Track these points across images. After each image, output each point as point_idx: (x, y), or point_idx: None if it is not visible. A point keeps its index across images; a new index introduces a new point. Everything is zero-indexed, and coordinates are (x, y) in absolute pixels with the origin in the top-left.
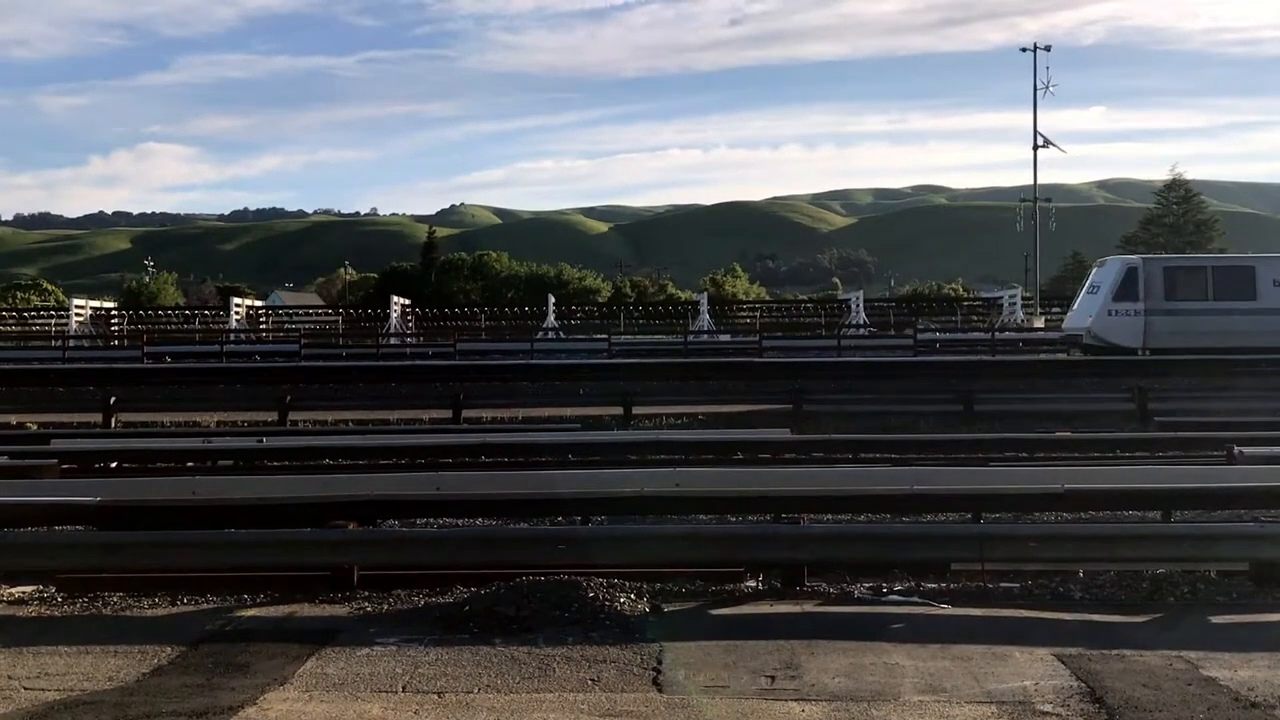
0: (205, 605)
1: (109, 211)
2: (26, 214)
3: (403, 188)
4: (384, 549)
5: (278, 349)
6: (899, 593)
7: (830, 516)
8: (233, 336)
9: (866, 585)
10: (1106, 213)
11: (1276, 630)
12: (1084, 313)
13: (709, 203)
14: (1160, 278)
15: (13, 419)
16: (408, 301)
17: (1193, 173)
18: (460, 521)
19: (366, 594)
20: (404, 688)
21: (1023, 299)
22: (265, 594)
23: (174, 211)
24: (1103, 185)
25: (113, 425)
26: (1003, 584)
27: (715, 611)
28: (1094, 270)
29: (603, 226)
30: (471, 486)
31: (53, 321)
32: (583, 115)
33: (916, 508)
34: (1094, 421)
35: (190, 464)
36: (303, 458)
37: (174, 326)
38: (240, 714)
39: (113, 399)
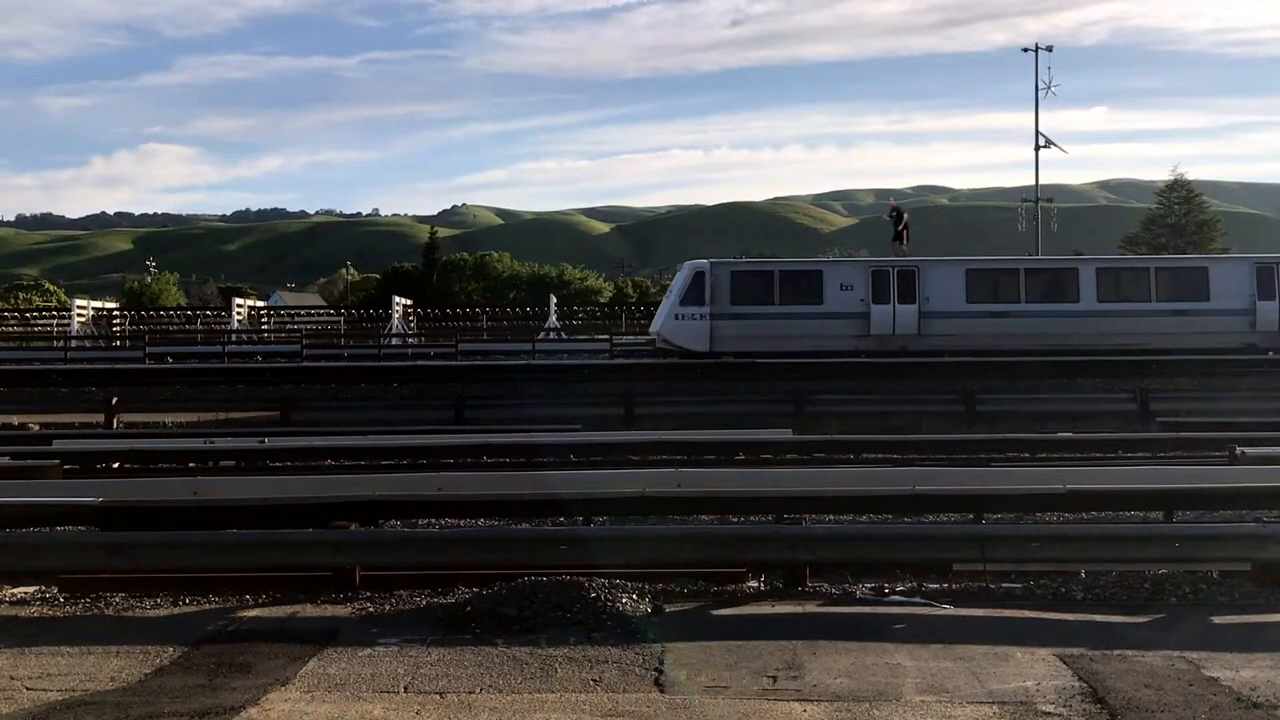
0: (207, 605)
1: (111, 212)
2: (28, 214)
3: (404, 188)
4: (386, 549)
5: (279, 349)
6: (901, 593)
7: (832, 517)
8: (234, 337)
9: (868, 586)
10: (1108, 213)
11: (1278, 631)
12: (659, 316)
13: (711, 203)
14: (727, 282)
15: (15, 419)
16: (409, 302)
17: (1194, 173)
18: (462, 522)
19: (368, 594)
20: (406, 688)
21: None
22: (267, 594)
23: (176, 212)
24: (1104, 185)
25: (114, 426)
26: (1004, 584)
27: (717, 612)
28: (675, 275)
29: (604, 227)
30: (473, 487)
31: (54, 322)
32: (584, 116)
33: (918, 508)
34: (1096, 422)
35: (192, 464)
36: (305, 458)
37: (176, 327)
38: (242, 714)
39: (114, 399)
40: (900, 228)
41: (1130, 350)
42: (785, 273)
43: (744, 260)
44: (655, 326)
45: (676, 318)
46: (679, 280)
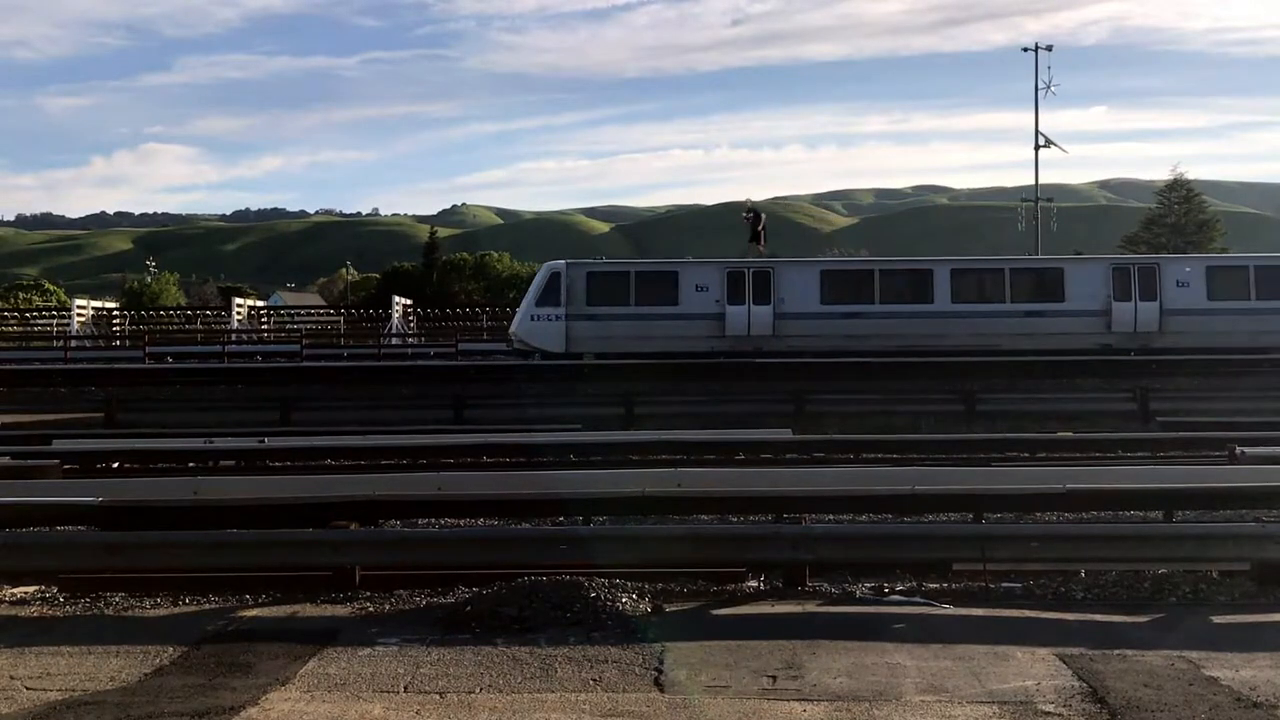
0: (207, 605)
1: (111, 212)
2: (28, 214)
3: (404, 188)
4: (385, 549)
5: (279, 349)
6: (901, 593)
7: (832, 517)
8: (234, 337)
9: (868, 585)
10: (1108, 213)
11: (1278, 631)
12: (516, 317)
13: (710, 203)
14: (583, 283)
15: (14, 419)
16: (409, 301)
17: (1194, 173)
18: (462, 522)
19: (368, 594)
20: (406, 688)
21: None
22: (267, 594)
23: (176, 212)
24: (1104, 185)
25: (114, 426)
26: (1004, 584)
27: (717, 611)
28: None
29: (604, 226)
30: (473, 486)
31: (54, 322)
32: (584, 115)
33: (918, 508)
34: (1095, 421)
35: (192, 464)
36: (304, 458)
37: (175, 327)
38: (242, 714)
39: (114, 399)
40: (758, 229)
41: (984, 351)
42: (641, 274)
43: (601, 261)
44: (513, 327)
45: (532, 318)
46: (536, 281)
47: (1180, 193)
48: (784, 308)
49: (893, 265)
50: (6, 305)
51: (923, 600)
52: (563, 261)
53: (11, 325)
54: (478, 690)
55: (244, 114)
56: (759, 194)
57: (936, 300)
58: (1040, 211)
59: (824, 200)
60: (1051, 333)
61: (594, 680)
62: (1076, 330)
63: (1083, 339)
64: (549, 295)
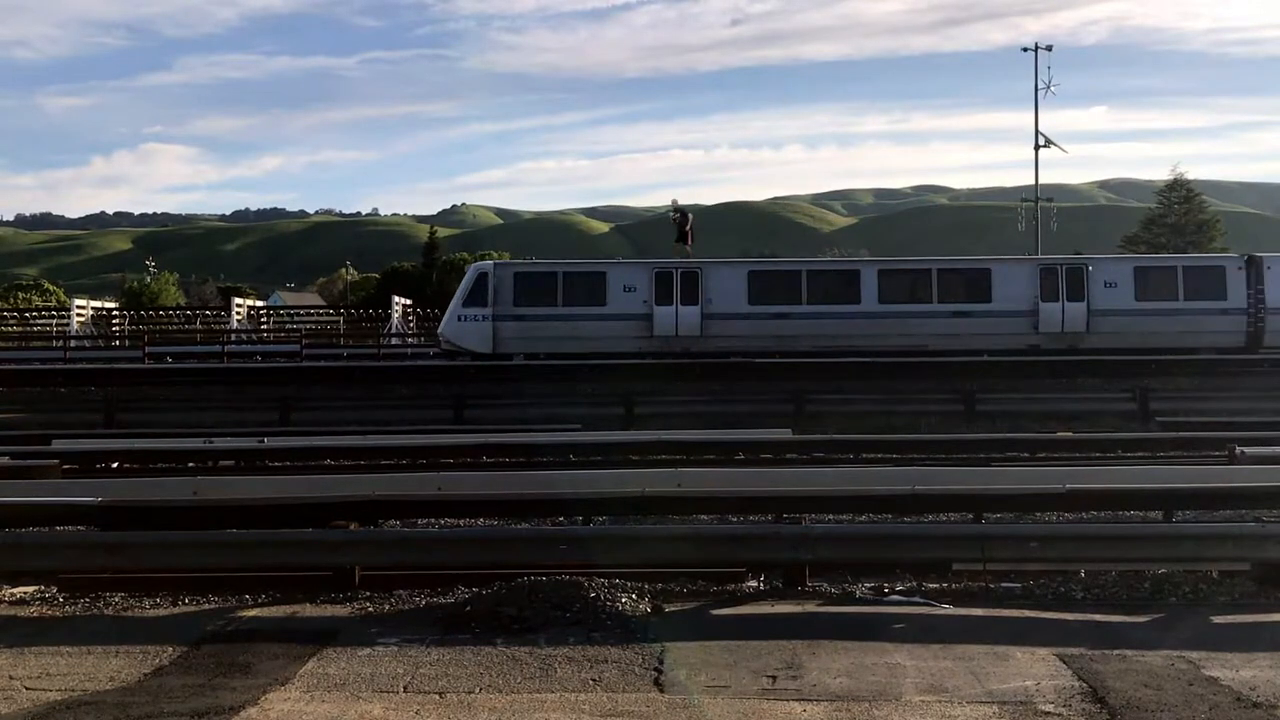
0: (207, 605)
1: (110, 212)
2: (28, 214)
3: (404, 188)
4: (385, 549)
5: (279, 349)
6: (901, 593)
7: (832, 517)
8: (234, 337)
9: (868, 585)
10: (1108, 213)
11: (1278, 630)
12: (445, 318)
13: (710, 203)
14: (510, 284)
15: (14, 419)
16: (409, 301)
17: (1194, 173)
18: (461, 522)
19: (368, 594)
20: (405, 688)
21: None
22: (267, 594)
23: (175, 212)
24: (1104, 185)
25: (113, 426)
26: (1004, 584)
27: (717, 611)
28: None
29: (604, 226)
30: (473, 487)
31: (54, 322)
32: (584, 115)
33: (918, 508)
34: (1095, 421)
35: (191, 464)
36: (304, 458)
37: (175, 327)
38: (242, 714)
39: (114, 399)
40: (685, 229)
41: (912, 351)
42: (569, 274)
43: (528, 262)
44: (440, 328)
45: (460, 319)
46: (463, 283)
47: (1180, 193)
48: (711, 308)
49: (820, 266)
50: (6, 305)
51: (922, 600)
52: (490, 262)
53: (11, 325)
54: (478, 690)
55: (244, 114)
56: (759, 194)
57: (864, 301)
58: (1040, 211)
59: (824, 200)
60: (978, 333)
61: (594, 680)
62: (1003, 331)
63: (1010, 339)
64: (476, 296)
